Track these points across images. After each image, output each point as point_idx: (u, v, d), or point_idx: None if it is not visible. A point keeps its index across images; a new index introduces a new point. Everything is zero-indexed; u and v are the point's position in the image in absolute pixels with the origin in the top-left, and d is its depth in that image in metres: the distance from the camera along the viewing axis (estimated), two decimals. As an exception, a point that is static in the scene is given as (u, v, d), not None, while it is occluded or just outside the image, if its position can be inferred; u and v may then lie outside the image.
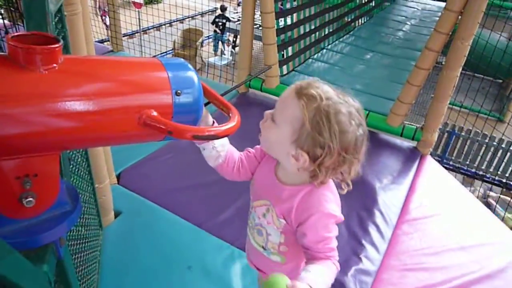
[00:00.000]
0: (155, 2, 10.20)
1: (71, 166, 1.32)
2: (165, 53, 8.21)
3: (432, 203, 2.48)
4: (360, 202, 2.33)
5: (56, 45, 0.71)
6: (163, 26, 8.90)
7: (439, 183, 2.74)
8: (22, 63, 0.70)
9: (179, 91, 0.84)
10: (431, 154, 3.00)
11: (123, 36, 7.56)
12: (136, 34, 8.20)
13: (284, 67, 3.57)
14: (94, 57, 0.74)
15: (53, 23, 1.09)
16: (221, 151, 1.08)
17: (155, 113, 0.81)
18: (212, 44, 8.92)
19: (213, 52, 8.72)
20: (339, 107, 0.89)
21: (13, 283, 0.65)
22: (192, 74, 0.89)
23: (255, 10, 3.26)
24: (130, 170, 2.44)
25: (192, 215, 2.11)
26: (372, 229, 2.17)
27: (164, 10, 6.60)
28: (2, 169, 0.73)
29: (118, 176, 2.38)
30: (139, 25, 8.08)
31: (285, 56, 3.58)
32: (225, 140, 1.09)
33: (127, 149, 2.37)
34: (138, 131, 0.81)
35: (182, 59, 0.94)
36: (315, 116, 0.88)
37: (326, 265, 0.96)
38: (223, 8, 8.61)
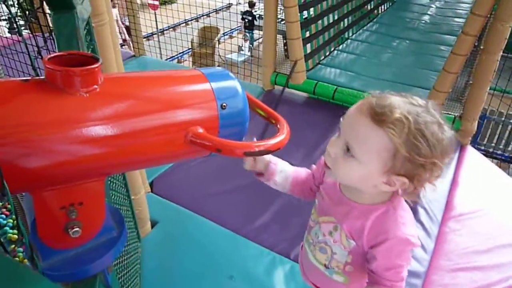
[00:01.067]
0: (170, 3, 10.22)
1: (109, 182, 1.28)
2: (182, 53, 8.20)
3: (478, 197, 2.34)
4: (402, 199, 2.22)
5: (95, 65, 0.66)
6: (179, 26, 8.89)
7: (483, 174, 2.60)
8: (61, 86, 0.65)
9: (224, 104, 0.78)
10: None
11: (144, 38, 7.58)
12: (153, 36, 8.23)
13: (310, 61, 3.47)
14: (134, 74, 0.68)
15: (83, 36, 1.04)
16: (284, 178, 1.05)
17: (201, 130, 0.76)
18: (228, 41, 8.83)
19: (229, 50, 8.64)
20: (424, 118, 0.78)
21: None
22: (235, 83, 0.84)
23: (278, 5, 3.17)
24: (163, 177, 2.41)
25: (228, 221, 2.06)
26: (417, 227, 2.06)
27: (178, 10, 6.57)
28: (46, 200, 0.69)
29: (151, 184, 2.36)
30: (157, 27, 8.11)
31: (309, 50, 3.47)
32: (285, 165, 1.07)
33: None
34: (184, 150, 0.76)
35: (221, 68, 0.89)
36: (409, 140, 0.77)
37: None
38: (251, 4, 8.48)
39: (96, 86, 0.66)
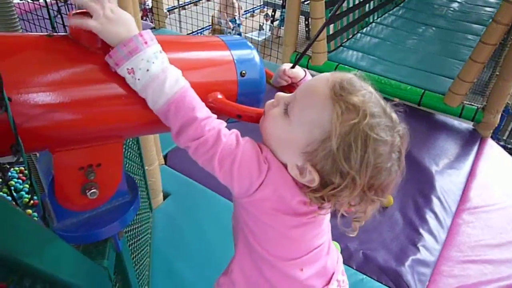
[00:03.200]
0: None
1: (124, 150, 1.28)
2: (202, 29, 8.12)
3: (495, 190, 2.30)
4: (416, 188, 2.19)
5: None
6: (201, 1, 8.79)
7: (502, 168, 2.53)
8: (84, 43, 0.64)
9: (243, 72, 0.80)
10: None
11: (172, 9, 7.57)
12: (175, 10, 8.16)
13: (332, 42, 3.40)
14: (159, 38, 0.67)
15: None
16: None
17: (220, 96, 0.76)
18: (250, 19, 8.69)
19: (251, 27, 8.50)
20: (382, 133, 0.65)
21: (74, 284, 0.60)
22: (254, 52, 0.85)
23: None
24: (177, 151, 2.41)
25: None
26: (430, 217, 2.04)
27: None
28: (66, 160, 0.69)
29: (165, 157, 2.37)
30: (178, 1, 8.02)
31: (332, 31, 3.39)
32: None
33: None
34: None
35: (240, 37, 0.89)
36: (349, 136, 0.64)
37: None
38: None
39: (118, 46, 0.65)
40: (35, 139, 0.62)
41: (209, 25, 8.14)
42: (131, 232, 1.30)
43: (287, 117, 0.71)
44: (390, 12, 4.50)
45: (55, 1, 1.14)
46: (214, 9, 7.59)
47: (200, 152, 0.69)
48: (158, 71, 0.65)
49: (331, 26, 3.31)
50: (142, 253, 1.46)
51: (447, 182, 2.29)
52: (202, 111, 0.68)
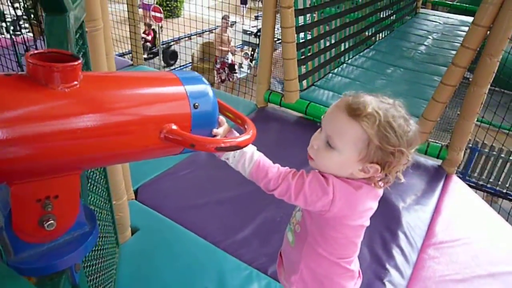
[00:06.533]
0: (177, 16, 10.37)
1: (89, 184, 1.29)
2: (184, 66, 8.29)
3: (459, 226, 2.37)
4: (383, 223, 2.24)
5: (76, 63, 0.68)
6: (182, 40, 9.01)
7: (466, 204, 2.62)
8: (42, 81, 0.67)
9: (196, 104, 0.83)
10: (454, 172, 2.88)
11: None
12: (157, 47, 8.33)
13: (304, 81, 3.53)
14: (113, 74, 0.71)
15: (74, 39, 1.07)
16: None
17: (175, 127, 0.80)
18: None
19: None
20: (392, 113, 0.92)
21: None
22: (207, 87, 0.89)
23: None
24: (148, 186, 2.41)
25: (210, 233, 2.06)
26: (396, 252, 2.08)
27: (182, 24, 6.67)
28: (23, 192, 0.70)
29: (135, 192, 2.36)
30: (159, 39, 8.21)
31: (304, 71, 3.53)
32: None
33: (145, 164, 2.35)
34: (159, 146, 0.79)
35: (195, 73, 0.94)
36: (380, 131, 0.90)
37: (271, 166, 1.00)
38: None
39: (76, 82, 0.69)
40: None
41: (189, 63, 8.32)
42: (94, 267, 1.28)
43: (333, 149, 0.95)
44: (361, 53, 4.74)
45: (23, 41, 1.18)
46: (195, 49, 7.80)
47: (281, 195, 0.98)
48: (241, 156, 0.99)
49: (304, 66, 3.45)
50: (105, 289, 1.43)
51: (414, 217, 2.35)
52: (273, 171, 0.98)
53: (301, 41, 3.34)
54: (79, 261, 0.83)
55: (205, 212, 2.24)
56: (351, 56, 4.53)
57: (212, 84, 6.65)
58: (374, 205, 1.04)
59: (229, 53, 7.58)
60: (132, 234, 2.00)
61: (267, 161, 1.00)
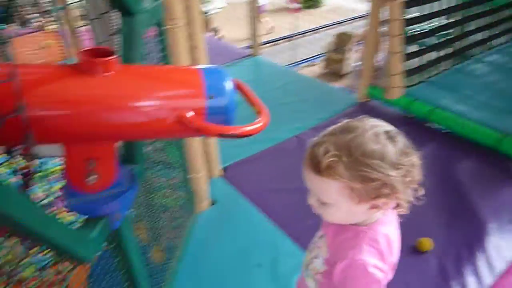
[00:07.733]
0: (314, 7, 10.44)
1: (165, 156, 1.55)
2: (314, 57, 8.14)
3: None
4: (465, 238, 2.05)
5: (109, 58, 0.89)
6: (319, 30, 9.03)
7: None
8: (87, 71, 0.90)
9: (211, 95, 0.95)
10: None
11: (280, 40, 8.04)
12: (293, 38, 8.49)
13: (413, 77, 3.31)
14: (145, 67, 0.90)
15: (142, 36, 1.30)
16: None
17: (191, 114, 0.93)
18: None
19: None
20: (356, 143, 0.80)
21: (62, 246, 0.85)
22: (225, 79, 0.98)
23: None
24: (236, 166, 2.66)
25: (278, 217, 2.20)
26: (466, 271, 1.88)
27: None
28: (74, 152, 0.96)
29: (225, 169, 2.62)
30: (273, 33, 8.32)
31: (413, 66, 3.31)
32: None
33: (238, 146, 2.62)
34: (174, 128, 0.93)
35: (220, 67, 1.03)
36: (352, 174, 0.79)
37: None
38: None
39: (113, 72, 0.89)
40: (52, 136, 0.89)
41: (320, 53, 8.20)
42: (156, 222, 1.55)
43: (329, 205, 0.86)
44: (495, 48, 4.13)
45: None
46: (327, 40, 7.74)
47: None
48: None
49: (412, 60, 3.25)
50: (170, 243, 1.69)
51: (505, 238, 2.07)
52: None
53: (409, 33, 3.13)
54: (116, 212, 1.06)
55: (281, 197, 2.37)
56: (477, 53, 3.96)
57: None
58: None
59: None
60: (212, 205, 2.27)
61: None
